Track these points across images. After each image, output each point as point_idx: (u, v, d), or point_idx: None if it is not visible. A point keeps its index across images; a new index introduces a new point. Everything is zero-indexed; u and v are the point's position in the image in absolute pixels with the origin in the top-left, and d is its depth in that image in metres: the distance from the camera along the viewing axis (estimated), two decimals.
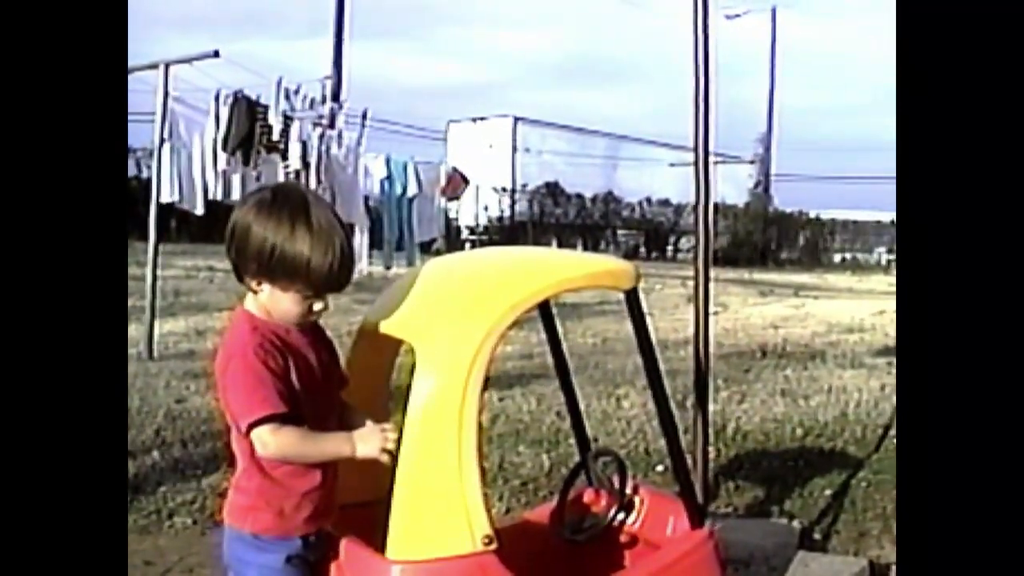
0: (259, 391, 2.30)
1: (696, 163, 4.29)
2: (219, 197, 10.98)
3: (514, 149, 36.90)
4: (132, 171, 24.49)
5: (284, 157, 11.53)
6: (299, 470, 2.42)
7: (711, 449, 4.84)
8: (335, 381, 2.54)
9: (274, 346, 2.36)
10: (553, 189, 37.50)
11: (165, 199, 10.37)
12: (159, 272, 10.13)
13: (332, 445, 2.43)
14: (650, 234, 40.25)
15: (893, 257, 38.07)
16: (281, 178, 11.36)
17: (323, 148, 11.98)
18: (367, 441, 2.42)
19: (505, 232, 33.89)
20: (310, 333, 2.48)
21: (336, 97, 14.19)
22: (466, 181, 16.10)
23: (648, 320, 2.89)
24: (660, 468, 5.55)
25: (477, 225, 34.05)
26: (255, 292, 2.39)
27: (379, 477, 2.50)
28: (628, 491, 3.11)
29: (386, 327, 2.63)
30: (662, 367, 2.98)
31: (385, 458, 2.41)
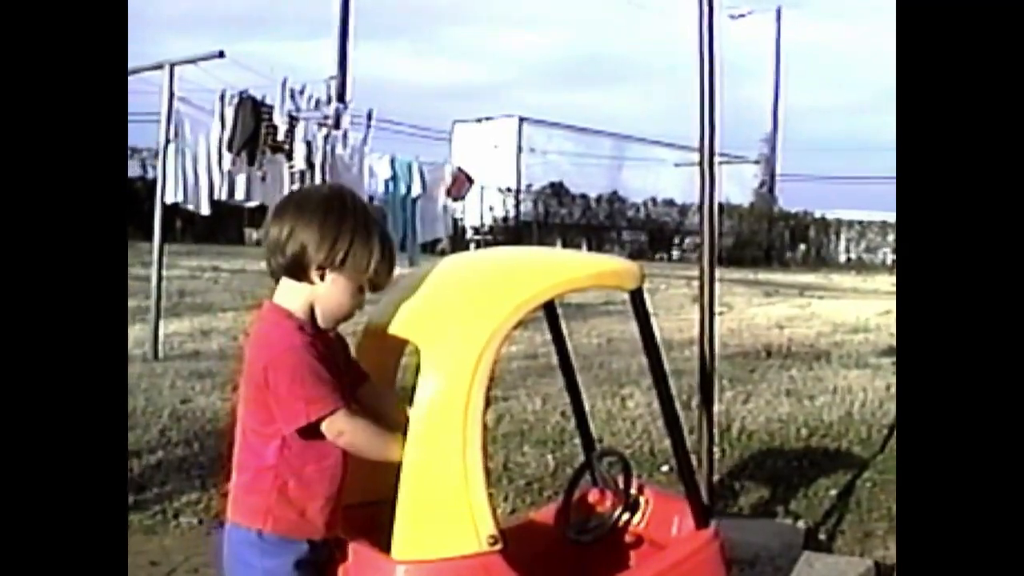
0: (319, 387, 2.35)
1: (701, 163, 4.29)
2: (224, 197, 10.99)
3: (519, 149, 36.92)
4: (137, 172, 24.56)
5: (289, 157, 11.53)
6: (327, 473, 2.44)
7: (716, 449, 4.85)
8: (355, 379, 2.59)
9: (318, 345, 2.41)
10: (558, 189, 37.53)
11: (170, 199, 10.37)
12: (164, 272, 10.13)
13: (392, 447, 2.46)
14: (655, 234, 40.23)
15: None
16: (286, 178, 11.38)
17: (328, 148, 11.99)
18: None
19: (510, 232, 33.91)
20: (335, 336, 2.55)
21: (341, 97, 14.23)
22: (471, 181, 16.08)
23: (653, 320, 2.88)
24: (665, 468, 5.55)
25: (482, 225, 34.07)
26: (311, 283, 2.44)
27: (384, 477, 2.50)
28: (633, 491, 3.11)
29: (391, 327, 2.64)
30: (667, 367, 2.98)
31: None
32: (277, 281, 2.50)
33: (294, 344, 2.38)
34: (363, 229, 2.44)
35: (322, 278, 2.44)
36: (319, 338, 2.44)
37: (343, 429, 2.39)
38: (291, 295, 2.47)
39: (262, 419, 2.41)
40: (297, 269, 2.44)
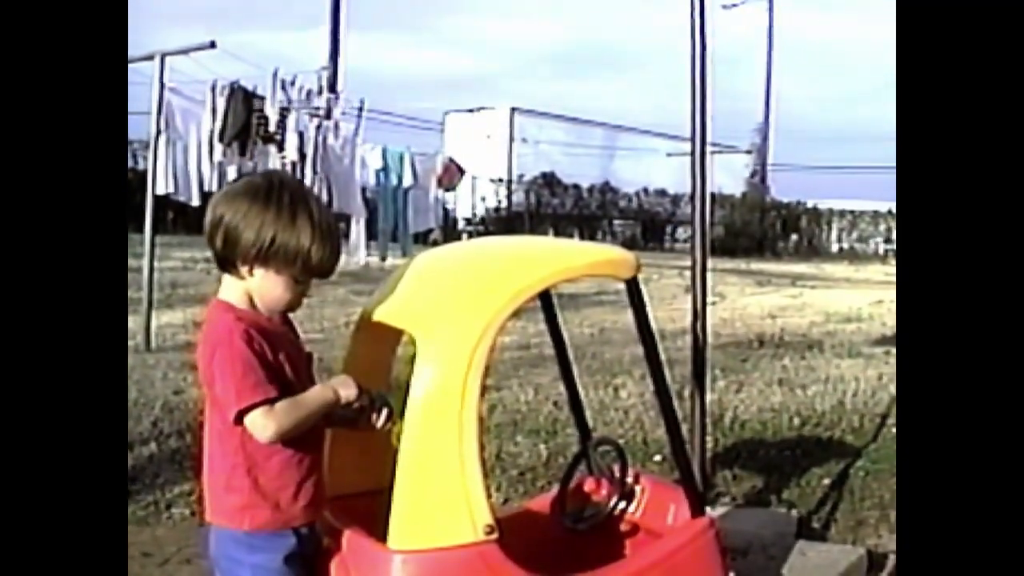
0: (249, 377, 2.30)
1: (693, 153, 4.29)
2: (215, 188, 10.93)
3: (511, 139, 36.83)
4: (128, 162, 24.40)
5: (280, 148, 11.52)
6: (292, 460, 2.41)
7: (709, 439, 4.85)
8: (309, 373, 2.54)
9: (260, 334, 2.36)
10: (550, 179, 37.45)
11: (161, 191, 10.35)
12: (156, 264, 10.11)
13: (316, 398, 2.40)
14: (647, 224, 40.22)
15: (890, 247, 38.06)
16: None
17: (319, 139, 11.98)
18: (346, 385, 2.43)
19: (502, 223, 33.85)
20: (285, 325, 2.50)
21: (333, 88, 14.20)
22: (462, 172, 16.10)
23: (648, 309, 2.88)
24: (658, 458, 5.57)
25: (474, 216, 33.99)
26: (243, 279, 2.39)
27: (380, 467, 2.51)
28: (629, 480, 3.12)
29: (386, 318, 2.64)
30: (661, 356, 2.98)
31: (361, 400, 2.44)
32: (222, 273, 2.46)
33: (229, 336, 2.32)
34: (287, 219, 2.33)
35: (251, 272, 2.38)
36: (261, 328, 2.38)
37: (264, 423, 2.30)
38: (231, 288, 2.43)
39: (223, 416, 2.36)
40: (227, 264, 2.39)
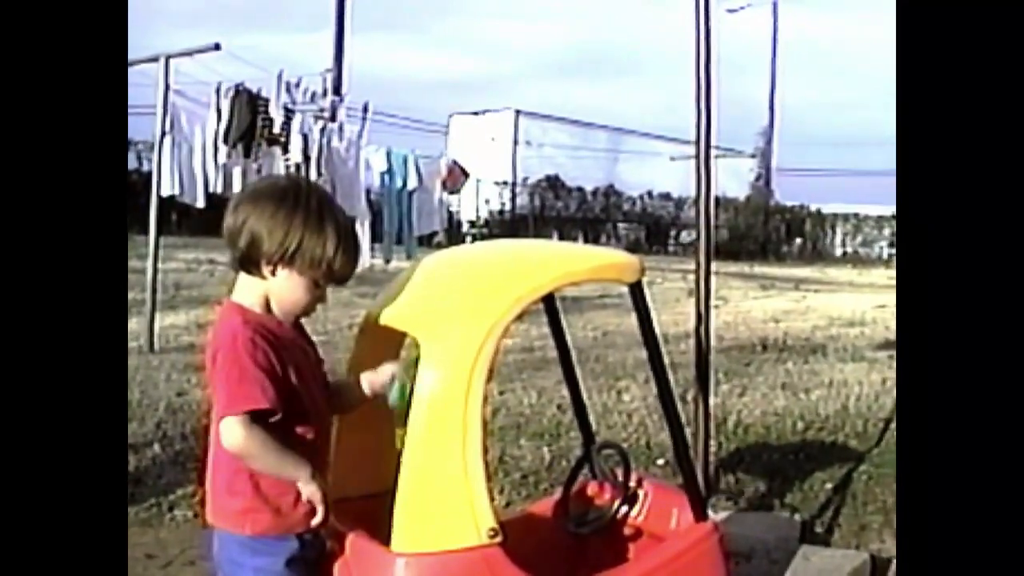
0: (243, 386, 2.29)
1: (698, 157, 4.30)
2: (219, 190, 10.95)
3: (515, 142, 36.91)
4: (133, 164, 24.47)
5: (285, 150, 11.51)
6: None
7: (712, 442, 4.85)
8: (323, 377, 2.55)
9: (266, 340, 2.35)
10: (554, 182, 37.52)
11: (166, 192, 10.35)
12: (160, 265, 10.12)
13: (290, 464, 2.38)
14: (651, 227, 40.23)
15: (894, 251, 38.03)
16: (282, 171, 11.35)
17: (324, 141, 11.95)
18: (311, 487, 2.40)
19: (506, 225, 33.88)
20: (297, 329, 2.50)
21: (337, 90, 14.22)
22: (466, 174, 16.06)
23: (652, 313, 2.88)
24: (661, 462, 5.56)
25: (478, 218, 34.04)
26: (264, 279, 2.39)
27: (384, 470, 2.51)
28: (632, 484, 3.11)
29: (390, 321, 2.64)
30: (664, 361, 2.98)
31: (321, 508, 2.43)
32: (237, 274, 2.46)
33: (233, 340, 2.33)
34: (315, 223, 2.35)
35: (274, 273, 2.38)
36: (271, 332, 2.38)
37: (232, 433, 2.28)
38: (247, 289, 2.43)
39: None
40: (249, 263, 2.39)
